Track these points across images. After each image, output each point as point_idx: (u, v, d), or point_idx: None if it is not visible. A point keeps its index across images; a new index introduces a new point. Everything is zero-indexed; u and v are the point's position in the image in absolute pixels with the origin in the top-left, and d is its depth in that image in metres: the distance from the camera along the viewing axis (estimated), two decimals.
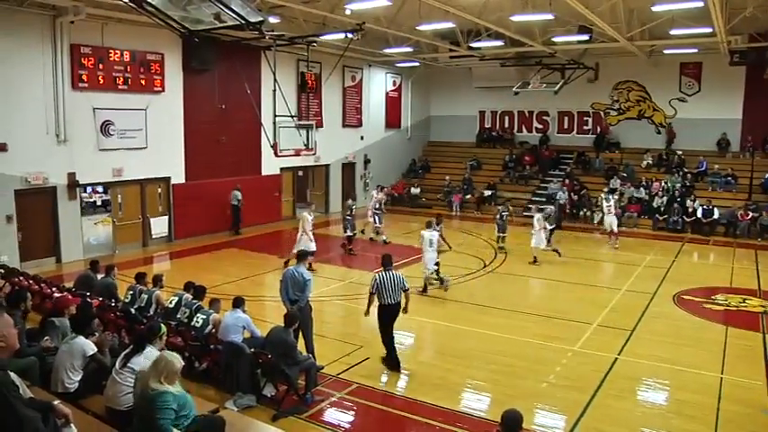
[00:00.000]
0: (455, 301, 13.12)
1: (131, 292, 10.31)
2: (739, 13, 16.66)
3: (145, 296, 10.07)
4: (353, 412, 7.90)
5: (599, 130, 27.41)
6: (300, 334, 8.98)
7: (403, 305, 9.40)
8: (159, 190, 18.79)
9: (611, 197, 19.88)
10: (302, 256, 9.92)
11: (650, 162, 25.43)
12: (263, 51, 18.51)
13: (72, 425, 4.58)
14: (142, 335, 6.25)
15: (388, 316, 9.30)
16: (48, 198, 15.78)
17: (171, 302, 9.59)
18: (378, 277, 9.27)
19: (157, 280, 10.54)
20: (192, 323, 8.89)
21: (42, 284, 11.73)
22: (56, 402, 4.67)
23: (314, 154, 19.22)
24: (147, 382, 5.11)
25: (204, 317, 8.86)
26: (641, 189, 23.68)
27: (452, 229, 22.78)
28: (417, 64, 27.63)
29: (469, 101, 30.28)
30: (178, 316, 9.30)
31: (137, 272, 11.06)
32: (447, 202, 26.61)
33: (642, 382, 8.95)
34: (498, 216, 18.67)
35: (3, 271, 13.00)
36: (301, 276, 9.16)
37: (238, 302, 8.72)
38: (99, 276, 11.42)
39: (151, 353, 6.02)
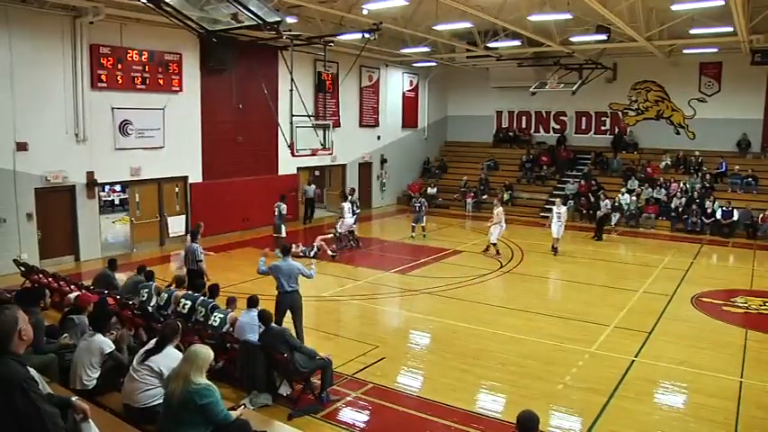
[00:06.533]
0: (471, 302, 13.07)
1: (146, 290, 10.38)
2: (762, 11, 16.46)
3: (165, 295, 10.14)
4: (369, 412, 7.89)
5: (617, 130, 27.19)
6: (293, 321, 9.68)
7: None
8: (177, 189, 18.91)
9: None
10: (287, 250, 10.40)
11: (668, 163, 25.19)
12: (280, 51, 18.58)
13: (90, 420, 4.62)
14: (165, 334, 6.28)
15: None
16: (67, 197, 15.95)
17: (184, 308, 9.63)
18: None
19: (181, 281, 10.65)
20: (210, 322, 8.94)
21: (61, 282, 11.85)
22: (74, 398, 4.71)
23: (330, 154, 19.26)
24: (188, 377, 5.05)
25: (222, 315, 8.91)
26: (661, 190, 23.47)
27: (465, 229, 22.86)
28: (434, 64, 27.57)
29: (486, 101, 30.16)
30: (193, 318, 9.36)
31: (148, 270, 11.13)
32: (463, 202, 26.57)
33: (660, 384, 8.86)
34: (418, 206, 20.13)
35: (23, 269, 13.20)
36: (296, 267, 9.79)
37: (253, 302, 8.74)
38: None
39: (170, 352, 6.06)
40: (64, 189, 15.81)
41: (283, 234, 17.18)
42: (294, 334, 8.83)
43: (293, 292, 9.77)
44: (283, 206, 17.82)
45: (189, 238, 12.41)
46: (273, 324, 8.20)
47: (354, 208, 18.78)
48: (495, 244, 17.53)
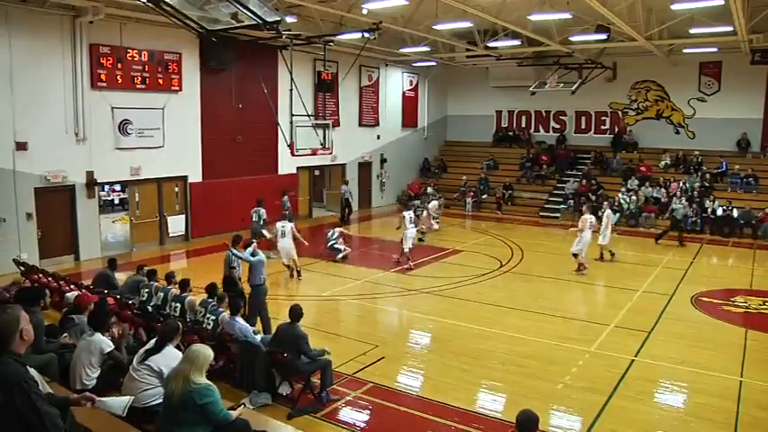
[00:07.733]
0: (472, 301, 13.07)
1: (146, 290, 10.37)
2: (762, 10, 16.46)
3: (161, 294, 10.13)
4: (368, 412, 7.89)
5: (617, 129, 27.20)
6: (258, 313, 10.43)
7: None
8: (176, 189, 18.91)
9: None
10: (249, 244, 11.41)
11: (668, 162, 25.18)
12: (279, 51, 18.57)
13: (101, 398, 4.70)
14: (165, 334, 6.27)
15: None
16: (66, 196, 15.95)
17: (176, 309, 9.57)
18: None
19: (170, 278, 10.62)
20: (204, 325, 8.86)
21: (61, 282, 11.84)
22: (72, 396, 4.72)
23: (330, 153, 19.25)
24: (188, 377, 5.07)
25: (213, 318, 8.80)
26: (661, 189, 23.45)
27: (465, 228, 22.85)
28: (434, 63, 27.55)
29: (486, 100, 30.17)
30: (189, 317, 9.33)
31: (148, 269, 11.14)
32: (463, 201, 26.58)
33: (659, 384, 8.85)
34: (421, 211, 20.12)
35: (23, 268, 13.19)
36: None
37: (235, 309, 8.63)
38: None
39: (170, 351, 6.06)
40: (63, 189, 15.81)
41: (268, 236, 16.60)
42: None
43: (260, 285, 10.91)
44: (262, 210, 17.38)
45: (229, 243, 12.07)
46: (298, 324, 8.04)
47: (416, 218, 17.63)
48: (575, 255, 15.63)
